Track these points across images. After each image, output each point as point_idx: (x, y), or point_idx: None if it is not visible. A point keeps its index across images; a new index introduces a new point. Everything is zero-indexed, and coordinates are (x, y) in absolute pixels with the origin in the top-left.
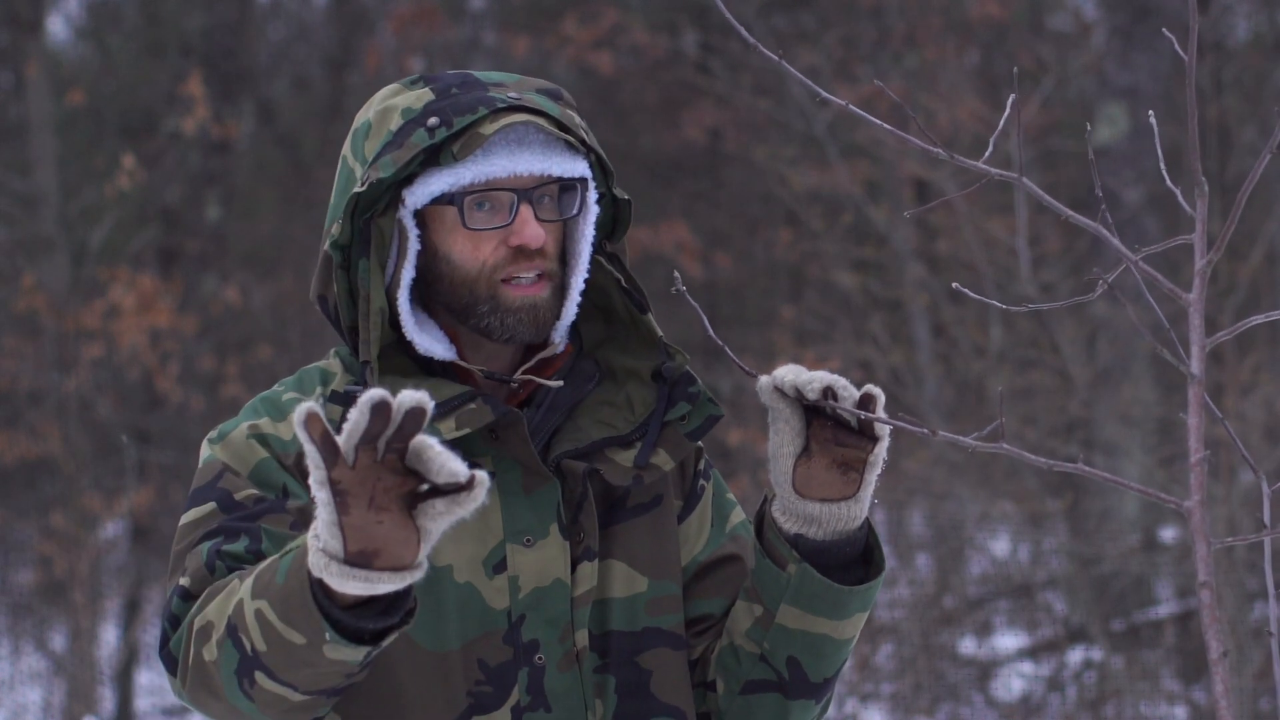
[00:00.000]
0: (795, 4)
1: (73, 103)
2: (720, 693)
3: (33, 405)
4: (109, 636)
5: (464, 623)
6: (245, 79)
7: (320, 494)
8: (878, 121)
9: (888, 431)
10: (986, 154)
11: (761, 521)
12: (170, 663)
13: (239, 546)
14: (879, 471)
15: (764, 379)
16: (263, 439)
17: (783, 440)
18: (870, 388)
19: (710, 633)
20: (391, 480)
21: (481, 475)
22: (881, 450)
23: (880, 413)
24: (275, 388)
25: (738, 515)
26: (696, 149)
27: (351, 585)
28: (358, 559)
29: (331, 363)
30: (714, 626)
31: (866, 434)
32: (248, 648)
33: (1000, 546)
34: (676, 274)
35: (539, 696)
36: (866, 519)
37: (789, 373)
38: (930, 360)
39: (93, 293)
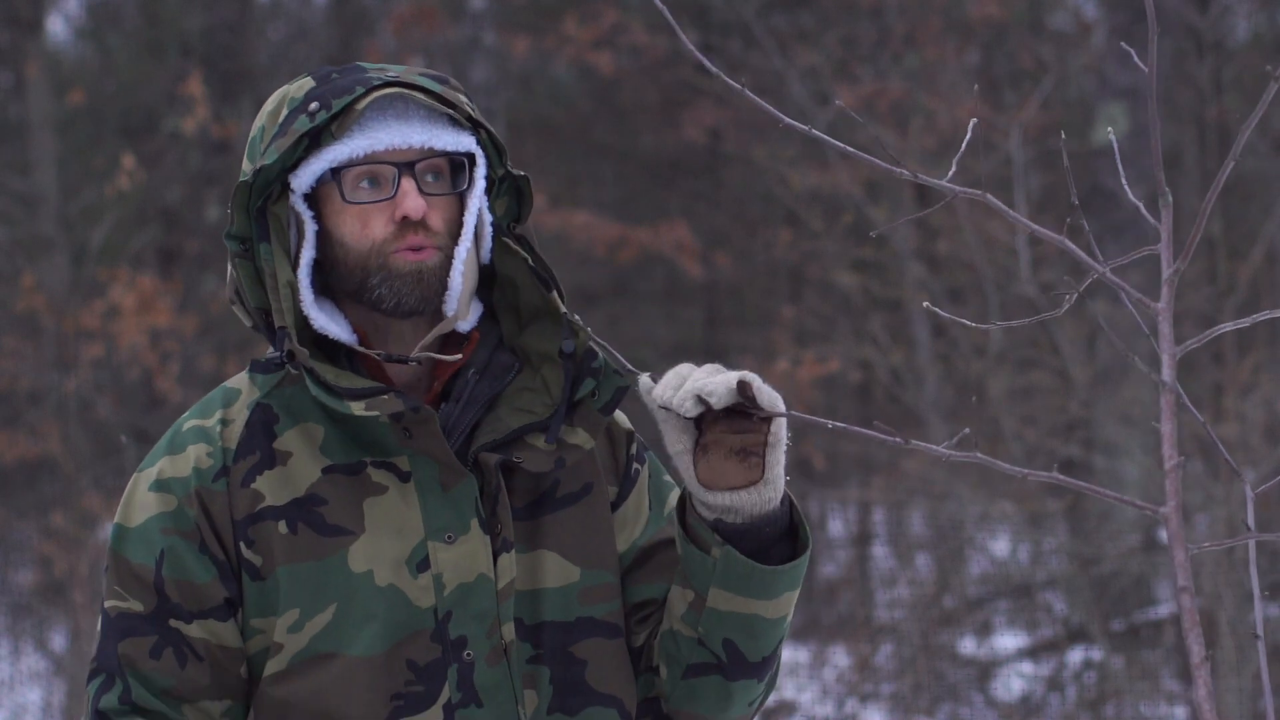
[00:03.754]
0: (795, 4)
1: (73, 103)
2: (664, 678)
3: (33, 405)
4: None
5: (390, 625)
6: (245, 79)
7: None
8: (845, 147)
9: (780, 407)
10: (950, 173)
11: (683, 507)
12: None
13: (113, 698)
14: (783, 450)
15: (644, 380)
16: (164, 485)
17: (674, 439)
18: (745, 374)
19: (654, 618)
20: None
21: None
22: (780, 430)
23: (765, 390)
24: (184, 415)
25: (677, 497)
26: (696, 149)
27: None
28: None
29: (240, 378)
30: (657, 611)
31: (759, 415)
32: None
33: (1000, 546)
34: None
35: (469, 692)
36: (787, 496)
37: (671, 391)
38: (930, 360)
39: (93, 293)
